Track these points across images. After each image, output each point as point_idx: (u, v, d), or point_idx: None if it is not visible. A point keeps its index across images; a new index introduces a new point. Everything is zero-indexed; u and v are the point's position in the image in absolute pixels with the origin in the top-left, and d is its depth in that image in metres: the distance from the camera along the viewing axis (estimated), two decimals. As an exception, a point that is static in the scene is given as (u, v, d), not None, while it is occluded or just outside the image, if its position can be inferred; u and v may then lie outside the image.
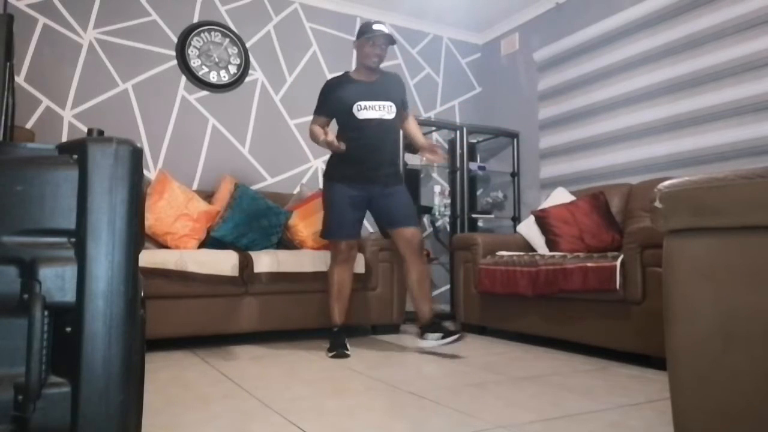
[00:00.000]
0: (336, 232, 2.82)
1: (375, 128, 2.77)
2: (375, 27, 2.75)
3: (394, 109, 2.81)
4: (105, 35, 3.53)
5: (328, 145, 2.64)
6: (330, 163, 2.90)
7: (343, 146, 2.63)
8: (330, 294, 2.86)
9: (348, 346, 2.74)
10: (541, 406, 1.79)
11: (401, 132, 3.09)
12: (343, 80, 2.87)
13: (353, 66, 4.32)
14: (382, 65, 2.87)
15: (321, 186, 4.01)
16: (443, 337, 2.69)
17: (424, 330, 2.76)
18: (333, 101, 2.81)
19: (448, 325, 2.74)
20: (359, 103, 2.76)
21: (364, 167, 2.77)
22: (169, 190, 3.13)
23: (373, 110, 2.77)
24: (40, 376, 0.74)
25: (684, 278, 0.94)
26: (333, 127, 2.89)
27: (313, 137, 2.81)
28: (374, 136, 2.77)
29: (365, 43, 2.76)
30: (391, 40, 2.77)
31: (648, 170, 3.35)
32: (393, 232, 2.84)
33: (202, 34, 3.79)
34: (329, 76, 4.15)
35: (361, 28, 2.80)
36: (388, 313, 3.37)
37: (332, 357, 2.65)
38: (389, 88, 2.85)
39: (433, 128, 4.36)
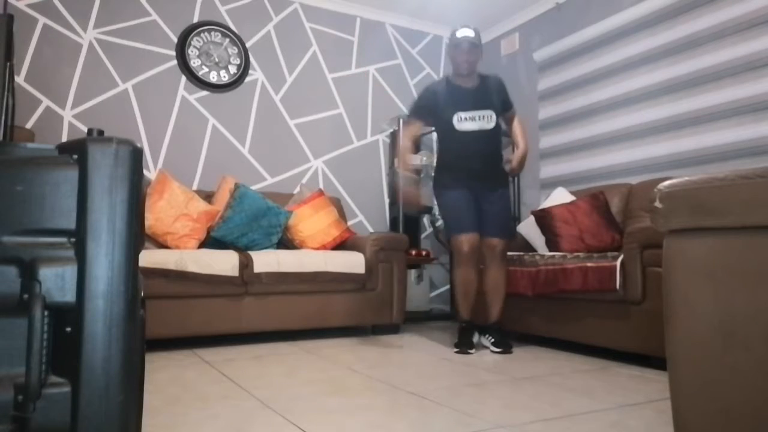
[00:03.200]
0: (455, 227, 2.82)
1: (475, 140, 2.79)
2: (458, 34, 2.80)
3: (494, 117, 2.79)
4: (105, 35, 3.54)
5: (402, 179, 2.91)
6: (436, 172, 2.98)
7: (415, 201, 3.00)
8: (456, 293, 2.89)
9: (474, 343, 2.79)
10: (541, 406, 1.79)
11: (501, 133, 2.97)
12: (443, 87, 2.90)
13: (354, 65, 4.35)
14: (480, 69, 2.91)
15: (321, 186, 4.05)
16: (494, 344, 2.78)
17: (484, 330, 2.88)
18: (431, 110, 2.87)
19: (503, 340, 2.80)
20: (459, 114, 2.78)
21: (465, 175, 2.81)
22: (169, 190, 3.13)
23: (473, 121, 2.78)
24: (40, 376, 0.74)
25: (684, 278, 0.94)
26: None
27: (400, 155, 3.02)
28: (475, 147, 2.80)
29: (452, 51, 2.83)
30: (475, 42, 2.78)
31: (648, 170, 3.35)
32: (482, 239, 2.82)
33: (202, 34, 3.79)
34: (330, 76, 4.23)
35: (449, 37, 2.86)
36: (388, 313, 3.37)
37: (456, 353, 2.73)
38: (489, 93, 2.83)
39: (433, 128, 4.36)
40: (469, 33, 2.81)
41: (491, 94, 2.83)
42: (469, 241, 2.76)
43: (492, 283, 2.85)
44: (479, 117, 2.78)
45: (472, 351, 2.74)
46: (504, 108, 2.89)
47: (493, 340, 2.79)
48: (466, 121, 2.79)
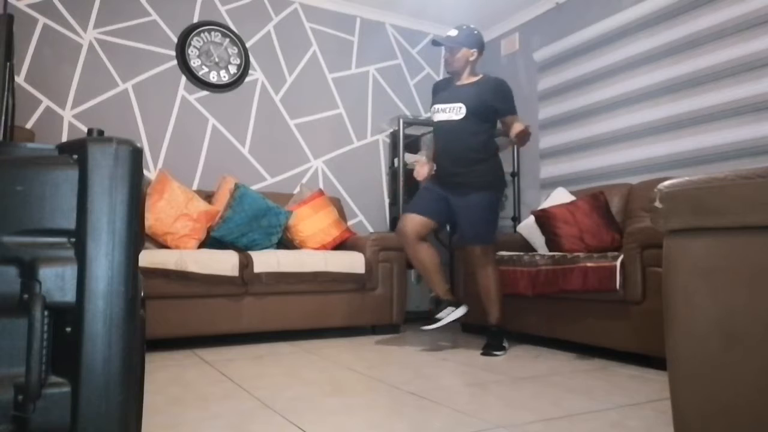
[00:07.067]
0: (407, 208, 2.93)
1: (445, 130, 2.84)
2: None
3: (463, 110, 2.76)
4: (105, 35, 3.54)
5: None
6: None
7: (421, 171, 2.93)
8: (420, 271, 2.93)
9: (437, 319, 2.79)
10: (541, 406, 1.79)
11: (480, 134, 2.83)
12: (441, 84, 2.99)
13: (354, 65, 4.35)
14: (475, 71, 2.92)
15: (321, 186, 4.05)
16: (483, 346, 2.76)
17: (489, 329, 2.84)
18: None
19: (504, 344, 2.82)
20: (435, 106, 2.89)
21: (441, 169, 2.87)
22: (169, 190, 3.13)
23: (444, 113, 2.84)
24: (40, 376, 0.74)
25: (684, 278, 0.94)
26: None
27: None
28: (444, 137, 2.85)
29: None
30: (452, 41, 2.83)
31: (648, 170, 3.35)
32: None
33: (202, 34, 3.79)
34: (330, 76, 4.23)
35: None
36: (388, 313, 3.37)
37: (424, 326, 2.89)
38: (474, 91, 2.79)
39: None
40: (451, 32, 2.86)
41: (477, 92, 2.79)
42: (406, 218, 2.83)
43: (480, 288, 2.86)
44: (450, 109, 2.80)
45: (433, 327, 2.78)
46: (495, 113, 2.79)
47: (485, 342, 2.80)
48: (438, 113, 2.86)
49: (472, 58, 2.84)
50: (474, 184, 2.76)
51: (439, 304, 2.83)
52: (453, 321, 2.79)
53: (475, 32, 2.87)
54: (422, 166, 2.95)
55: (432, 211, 2.83)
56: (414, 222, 2.81)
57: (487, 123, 2.81)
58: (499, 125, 2.90)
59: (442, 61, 2.90)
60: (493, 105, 2.78)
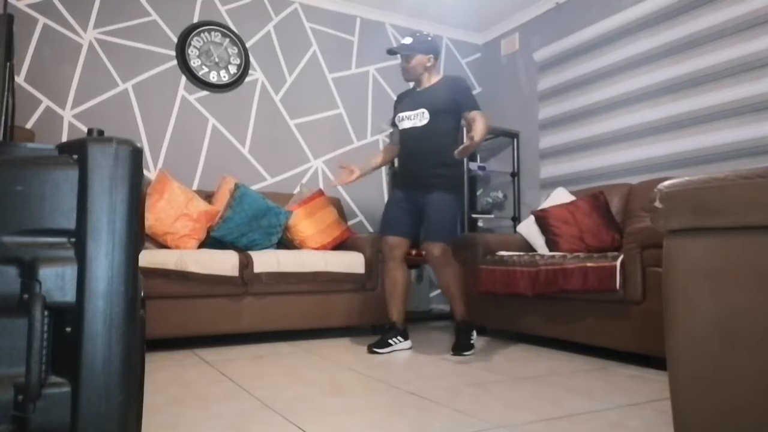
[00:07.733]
0: (381, 227, 2.97)
1: (410, 136, 2.87)
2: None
3: (426, 114, 2.80)
4: (105, 35, 3.53)
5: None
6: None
7: (336, 181, 3.04)
8: (385, 291, 2.95)
9: (389, 344, 2.78)
10: (541, 406, 1.79)
11: (450, 136, 2.84)
12: (403, 93, 3.03)
13: (354, 65, 4.35)
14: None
15: (321, 186, 4.05)
16: (452, 347, 2.75)
17: (456, 326, 2.86)
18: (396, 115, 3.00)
19: (472, 340, 2.81)
20: (399, 114, 2.93)
21: (407, 174, 2.90)
22: (169, 190, 3.13)
23: (409, 120, 2.88)
24: (40, 376, 0.74)
25: (684, 278, 0.94)
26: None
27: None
28: (410, 144, 2.87)
29: None
30: (405, 49, 2.84)
31: (648, 170, 3.35)
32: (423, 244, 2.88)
33: (202, 34, 3.79)
34: (330, 76, 4.23)
35: None
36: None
37: (367, 352, 2.77)
38: (434, 94, 2.83)
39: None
40: (405, 40, 2.87)
41: (435, 94, 2.82)
42: (389, 243, 2.88)
43: (441, 287, 2.90)
44: (414, 116, 2.85)
45: (381, 352, 2.73)
46: (458, 108, 2.79)
47: (453, 342, 2.78)
48: (404, 120, 2.89)
49: (428, 64, 2.86)
50: (443, 185, 2.79)
51: (389, 330, 2.85)
52: (398, 351, 2.81)
53: (430, 38, 2.89)
54: (348, 175, 2.94)
55: (409, 231, 2.91)
56: (401, 246, 2.88)
57: (452, 122, 2.82)
58: (462, 122, 2.88)
59: (402, 73, 2.94)
60: (455, 98, 2.79)
